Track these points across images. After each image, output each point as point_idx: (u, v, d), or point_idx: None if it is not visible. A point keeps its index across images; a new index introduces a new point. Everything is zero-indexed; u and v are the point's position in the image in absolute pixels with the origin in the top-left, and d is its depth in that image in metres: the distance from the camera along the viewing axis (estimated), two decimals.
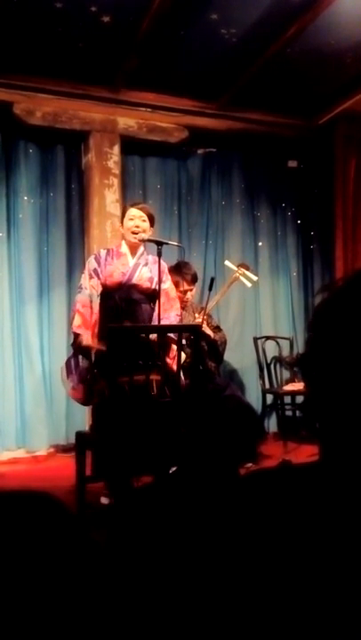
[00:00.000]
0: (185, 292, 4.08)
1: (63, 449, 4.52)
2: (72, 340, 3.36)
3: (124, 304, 3.32)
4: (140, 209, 3.42)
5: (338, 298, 0.68)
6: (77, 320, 3.28)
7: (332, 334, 0.66)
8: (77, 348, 3.23)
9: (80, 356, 3.26)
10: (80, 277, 3.52)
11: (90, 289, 3.34)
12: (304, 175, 5.46)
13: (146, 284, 3.41)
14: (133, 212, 3.40)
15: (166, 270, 3.52)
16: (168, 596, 0.64)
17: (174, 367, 3.09)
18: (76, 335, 3.26)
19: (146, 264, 3.44)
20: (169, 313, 3.35)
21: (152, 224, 3.46)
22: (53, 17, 3.55)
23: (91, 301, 3.32)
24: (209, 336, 4.01)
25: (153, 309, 3.40)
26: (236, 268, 4.07)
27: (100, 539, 0.73)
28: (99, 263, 3.38)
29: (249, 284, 4.08)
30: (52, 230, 4.67)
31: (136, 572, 0.68)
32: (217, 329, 4.23)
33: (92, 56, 4.05)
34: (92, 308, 3.31)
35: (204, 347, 3.93)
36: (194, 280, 4.12)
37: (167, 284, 3.44)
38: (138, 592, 0.66)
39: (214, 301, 4.09)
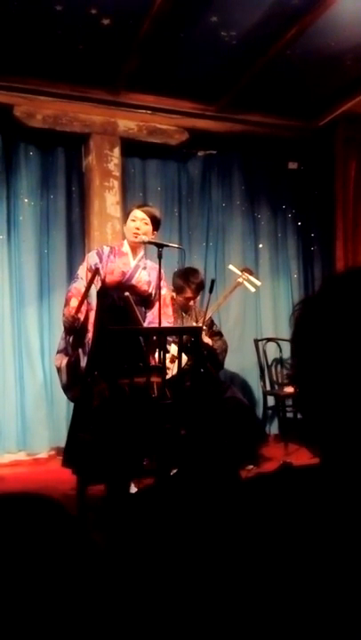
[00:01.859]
0: (187, 300, 4.07)
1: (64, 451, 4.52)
2: (66, 324, 3.21)
3: (122, 303, 3.32)
4: (144, 211, 3.39)
5: (313, 308, 0.70)
6: (74, 302, 3.17)
7: (314, 343, 0.67)
8: (75, 328, 3.14)
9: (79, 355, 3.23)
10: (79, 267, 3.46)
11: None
12: (304, 177, 5.46)
13: (144, 287, 3.43)
14: (137, 213, 3.38)
15: (163, 277, 3.50)
16: (168, 597, 0.64)
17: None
18: (76, 319, 3.14)
19: (145, 267, 3.45)
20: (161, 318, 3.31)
21: (156, 228, 3.43)
22: (53, 19, 3.55)
23: (88, 296, 3.28)
24: (207, 344, 3.99)
25: (145, 313, 3.43)
26: (240, 273, 4.04)
27: (101, 541, 0.73)
28: (100, 259, 3.37)
29: (253, 289, 4.04)
30: (53, 232, 4.67)
31: (137, 574, 0.68)
32: (218, 335, 4.20)
33: (92, 58, 4.05)
34: (88, 303, 3.26)
35: (204, 352, 3.92)
36: (198, 289, 4.08)
37: (164, 291, 3.42)
38: (138, 593, 0.66)
39: (216, 306, 4.06)
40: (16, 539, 0.68)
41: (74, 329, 3.16)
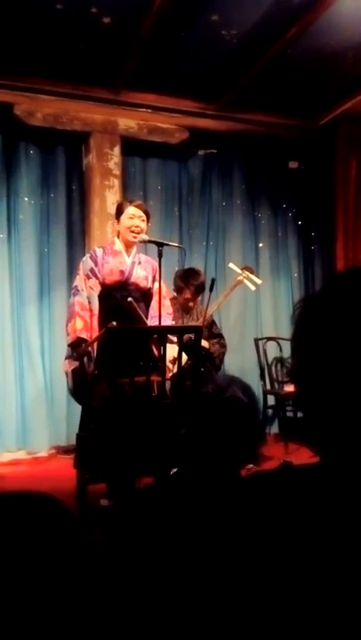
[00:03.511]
0: (187, 301, 4.06)
1: (64, 450, 4.52)
2: (70, 343, 3.25)
3: (125, 302, 3.31)
4: (138, 206, 3.39)
5: (314, 307, 0.70)
6: (79, 323, 3.19)
7: (315, 341, 0.67)
8: (83, 352, 3.15)
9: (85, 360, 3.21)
10: (75, 278, 3.44)
11: (87, 290, 3.28)
12: (305, 176, 5.46)
13: (143, 283, 3.42)
14: (133, 210, 3.37)
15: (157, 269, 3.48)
16: (169, 596, 0.64)
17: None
18: (82, 340, 3.16)
19: (139, 263, 3.44)
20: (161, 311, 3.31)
21: (148, 221, 3.46)
22: (54, 18, 3.55)
23: (89, 303, 3.28)
24: (204, 347, 3.95)
25: (146, 310, 3.42)
26: (240, 271, 4.03)
27: (101, 540, 0.73)
28: (95, 262, 3.34)
29: (253, 288, 4.03)
30: (53, 231, 4.67)
31: (137, 574, 0.68)
32: (218, 337, 4.17)
33: (92, 57, 4.05)
34: (90, 310, 3.26)
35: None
36: (198, 291, 4.06)
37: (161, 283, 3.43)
38: (139, 593, 0.66)
39: (216, 305, 4.05)
40: (16, 538, 0.68)
41: (80, 353, 3.16)
